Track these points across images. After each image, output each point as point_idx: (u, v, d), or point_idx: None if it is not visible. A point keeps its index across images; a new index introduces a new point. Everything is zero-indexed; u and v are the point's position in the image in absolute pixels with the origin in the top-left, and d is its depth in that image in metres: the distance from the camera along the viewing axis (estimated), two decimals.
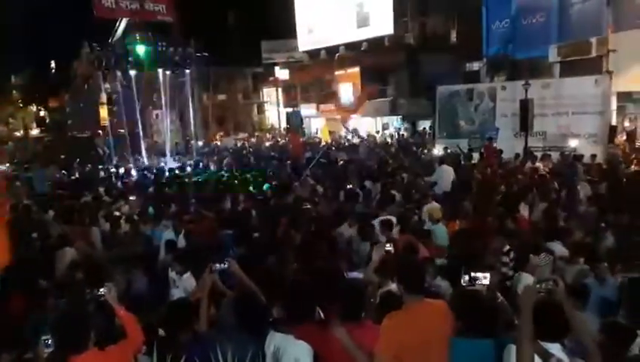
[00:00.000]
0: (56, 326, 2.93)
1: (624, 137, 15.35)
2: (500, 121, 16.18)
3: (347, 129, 26.28)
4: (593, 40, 17.49)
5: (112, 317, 3.31)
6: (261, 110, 41.60)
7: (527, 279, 4.65)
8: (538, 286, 2.72)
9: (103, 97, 28.20)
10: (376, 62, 28.31)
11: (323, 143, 23.85)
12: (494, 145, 14.82)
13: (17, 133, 46.83)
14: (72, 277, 4.91)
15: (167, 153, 23.19)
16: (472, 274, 3.26)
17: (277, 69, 36.38)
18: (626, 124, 16.11)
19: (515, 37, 20.72)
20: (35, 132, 49.03)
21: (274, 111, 37.69)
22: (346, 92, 31.03)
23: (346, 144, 23.62)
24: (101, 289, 3.30)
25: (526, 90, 14.40)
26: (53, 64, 61.09)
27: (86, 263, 5.27)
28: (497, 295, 3.74)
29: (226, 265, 3.78)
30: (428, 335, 2.86)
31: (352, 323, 2.92)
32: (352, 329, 2.86)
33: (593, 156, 12.39)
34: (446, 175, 10.42)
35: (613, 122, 15.37)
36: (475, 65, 23.20)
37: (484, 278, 3.17)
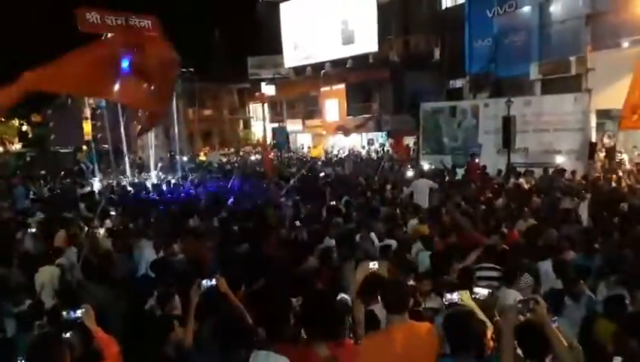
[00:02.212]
0: (32, 349, 2.86)
1: (603, 153, 15.62)
2: (483, 138, 16.38)
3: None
4: (573, 58, 17.90)
5: (90, 340, 3.25)
6: (247, 125, 41.64)
7: (510, 295, 4.67)
8: (519, 306, 2.76)
9: (87, 112, 28.01)
10: (361, 78, 28.60)
11: (310, 158, 23.94)
12: (477, 161, 15.00)
13: None
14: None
15: (152, 168, 22.98)
16: (446, 294, 3.29)
17: (263, 84, 36.55)
18: (606, 140, 16.40)
19: (497, 55, 21.13)
20: (17, 147, 48.38)
21: (260, 126, 37.73)
22: (332, 108, 31.22)
23: (334, 159, 23.73)
24: (78, 312, 3.22)
25: (508, 108, 14.63)
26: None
27: (61, 284, 5.18)
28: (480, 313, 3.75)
29: (213, 282, 3.74)
30: (408, 357, 2.85)
31: (332, 342, 2.91)
32: (332, 347, 2.86)
33: (573, 172, 12.59)
34: (422, 188, 10.52)
35: (593, 139, 15.66)
36: (458, 83, 23.55)
37: (455, 297, 3.20)
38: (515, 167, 13.92)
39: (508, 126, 14.56)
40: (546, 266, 5.42)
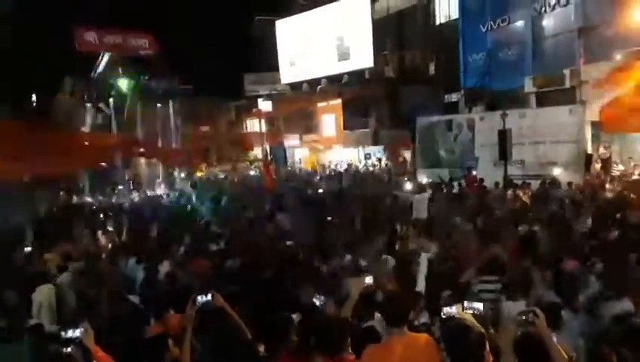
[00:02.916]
0: None
1: (599, 165, 15.70)
2: (479, 151, 16.48)
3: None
4: (566, 71, 18.06)
5: (90, 359, 3.22)
6: None
7: (511, 308, 4.65)
8: (519, 317, 2.76)
9: (85, 131, 28.05)
10: (357, 94, 28.75)
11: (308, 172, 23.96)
12: (474, 174, 15.05)
13: None
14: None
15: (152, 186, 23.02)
16: (444, 308, 3.29)
17: (260, 101, 36.70)
18: (601, 151, 16.49)
19: (491, 69, 21.30)
20: None
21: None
22: (329, 123, 31.32)
23: (332, 173, 23.80)
24: (76, 331, 3.19)
25: (503, 120, 14.73)
26: (34, 97, 60.65)
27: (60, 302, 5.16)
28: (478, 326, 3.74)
29: (209, 297, 3.71)
30: None
31: (331, 357, 2.91)
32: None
33: (569, 184, 12.65)
34: (421, 202, 10.57)
35: (589, 150, 15.76)
36: (454, 97, 23.70)
37: (453, 311, 3.20)
38: (512, 180, 13.98)
39: (504, 139, 14.64)
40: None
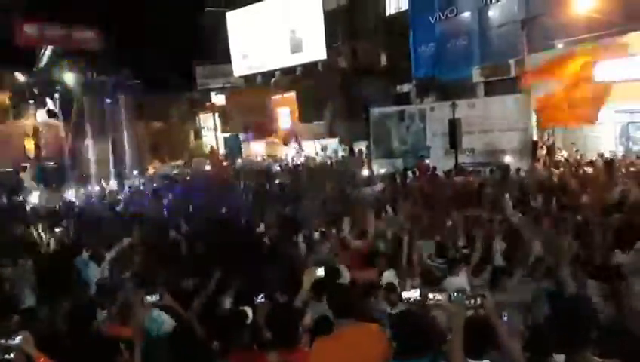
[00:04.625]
0: None
1: (544, 151, 16.37)
2: (431, 140, 16.86)
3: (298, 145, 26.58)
4: (512, 61, 18.67)
5: None
6: (198, 136, 40.92)
7: (454, 283, 4.84)
8: (467, 301, 2.79)
9: (29, 128, 26.78)
10: (311, 86, 28.74)
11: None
12: (427, 162, 15.41)
13: None
14: None
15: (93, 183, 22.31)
16: (403, 293, 3.34)
17: (213, 94, 36.12)
18: (545, 138, 17.18)
19: (440, 60, 21.73)
20: None
21: (211, 136, 37.21)
22: (284, 116, 31.19)
23: (289, 166, 23.77)
24: (16, 339, 3.06)
25: (453, 110, 15.12)
26: None
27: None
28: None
29: (157, 298, 3.64)
30: (358, 359, 2.89)
31: (285, 349, 2.93)
32: (285, 355, 2.87)
33: (517, 170, 13.14)
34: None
35: (535, 138, 16.39)
36: (406, 87, 24.08)
37: (413, 295, 3.26)
38: (462, 168, 14.39)
39: (454, 128, 15.05)
40: None
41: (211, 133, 37.04)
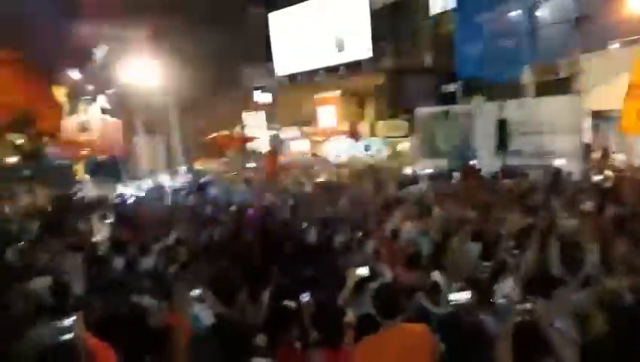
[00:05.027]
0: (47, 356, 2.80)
1: (598, 154, 15.72)
2: (477, 141, 16.48)
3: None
4: (564, 61, 18.02)
5: (84, 350, 3.18)
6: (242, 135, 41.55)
7: (501, 288, 4.70)
8: (516, 307, 2.73)
9: (84, 123, 27.94)
10: (354, 85, 28.70)
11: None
12: (472, 164, 15.09)
13: None
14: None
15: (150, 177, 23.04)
16: (452, 295, 3.29)
17: (257, 93, 36.62)
18: (600, 141, 16.50)
19: (487, 60, 21.19)
20: (12, 160, 48.01)
21: (255, 135, 37.73)
22: (327, 115, 31.25)
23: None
24: (69, 319, 3.17)
25: (501, 110, 14.73)
26: None
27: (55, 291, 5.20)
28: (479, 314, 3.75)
29: (199, 293, 3.74)
30: (404, 359, 2.86)
31: (329, 348, 2.92)
32: (329, 354, 2.86)
33: (569, 174, 12.65)
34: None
35: (588, 140, 15.77)
36: (451, 87, 23.65)
37: (463, 297, 3.20)
38: (510, 170, 14.00)
39: (502, 129, 14.67)
40: None
41: (255, 131, 37.58)
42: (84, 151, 25.95)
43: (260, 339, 3.36)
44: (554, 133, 15.12)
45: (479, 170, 14.19)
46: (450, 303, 3.36)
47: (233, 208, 11.08)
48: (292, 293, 4.35)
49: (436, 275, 5.00)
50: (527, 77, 19.35)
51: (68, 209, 13.72)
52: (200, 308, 4.05)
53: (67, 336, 3.11)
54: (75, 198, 17.04)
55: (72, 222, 10.82)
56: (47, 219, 11.25)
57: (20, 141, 28.23)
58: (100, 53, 25.89)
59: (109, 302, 5.04)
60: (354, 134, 28.88)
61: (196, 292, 4.03)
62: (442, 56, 24.42)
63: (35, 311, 4.75)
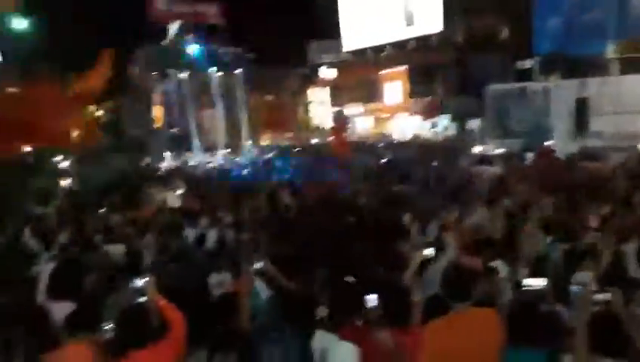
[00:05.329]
0: (123, 319, 2.95)
1: None
2: (554, 121, 15.67)
3: None
4: None
5: (155, 310, 3.32)
6: (307, 110, 41.83)
7: (576, 277, 4.44)
8: (593, 296, 2.60)
9: (157, 98, 29.12)
10: (423, 60, 27.95)
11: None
12: (548, 144, 14.36)
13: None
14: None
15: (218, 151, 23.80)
16: (525, 281, 3.17)
17: (323, 68, 36.53)
18: None
19: (569, 34, 19.87)
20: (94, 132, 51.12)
21: (319, 111, 37.84)
22: (393, 91, 30.76)
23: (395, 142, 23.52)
24: (142, 281, 3.31)
25: (582, 89, 13.84)
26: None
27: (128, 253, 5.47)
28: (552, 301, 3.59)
29: (261, 265, 3.84)
30: (474, 345, 2.76)
31: (397, 327, 2.88)
32: (396, 333, 2.83)
33: None
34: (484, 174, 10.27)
35: None
36: (528, 63, 22.44)
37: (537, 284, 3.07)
38: (589, 152, 13.18)
39: (582, 108, 13.82)
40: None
41: (320, 107, 37.67)
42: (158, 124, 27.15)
43: (322, 311, 3.38)
44: (639, 113, 14.06)
45: (553, 151, 13.47)
46: (523, 289, 3.21)
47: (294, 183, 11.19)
48: (355, 270, 4.35)
49: (497, 262, 4.80)
50: (611, 53, 17.97)
51: (143, 179, 14.42)
52: (259, 281, 4.16)
53: (142, 298, 3.29)
54: (149, 169, 17.90)
55: (147, 191, 11.35)
56: (125, 187, 11.85)
57: (98, 113, 29.96)
58: (173, 28, 26.68)
59: (179, 271, 5.29)
60: (421, 111, 28.29)
61: (258, 265, 4.12)
62: (518, 30, 23.22)
63: (111, 274, 5.04)
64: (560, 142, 14.31)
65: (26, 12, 21.46)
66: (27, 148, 17.02)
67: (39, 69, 17.37)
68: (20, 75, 18.64)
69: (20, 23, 23.15)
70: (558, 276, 4.88)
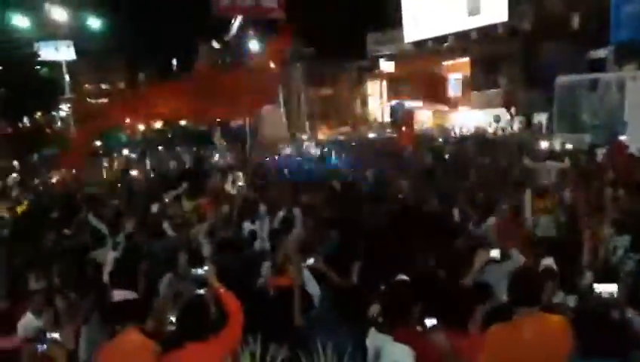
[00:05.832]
0: (185, 312, 3.05)
1: None
2: (630, 115, 14.69)
3: None
4: None
5: (215, 298, 3.40)
6: (364, 104, 41.53)
7: None
8: None
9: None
10: (487, 51, 26.98)
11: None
12: (622, 140, 13.48)
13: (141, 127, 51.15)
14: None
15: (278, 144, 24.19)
16: (596, 285, 3.00)
17: (382, 61, 36.05)
18: None
19: None
20: (158, 125, 53.37)
21: (377, 104, 37.47)
22: (455, 83, 29.95)
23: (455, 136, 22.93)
24: (203, 269, 3.38)
25: None
26: (174, 62, 66.06)
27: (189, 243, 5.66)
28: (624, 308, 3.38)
29: (312, 262, 3.86)
30: (538, 353, 2.63)
31: (455, 331, 2.80)
32: (454, 337, 2.75)
33: None
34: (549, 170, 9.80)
35: None
36: (601, 53, 21.13)
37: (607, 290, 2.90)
38: None
39: None
40: None
41: (378, 100, 37.28)
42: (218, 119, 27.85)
43: (374, 309, 3.35)
44: None
45: (627, 147, 12.62)
46: (593, 294, 3.04)
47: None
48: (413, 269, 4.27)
49: (549, 261, 4.52)
50: None
51: (205, 170, 14.91)
52: (309, 277, 4.16)
53: (203, 287, 3.39)
54: (210, 161, 18.46)
55: (208, 182, 11.72)
56: (187, 178, 12.28)
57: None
58: (235, 23, 27.28)
59: (236, 261, 5.41)
60: (484, 104, 27.38)
61: (311, 261, 4.13)
62: (592, 17, 21.89)
63: (172, 260, 5.24)
64: (634, 138, 13.40)
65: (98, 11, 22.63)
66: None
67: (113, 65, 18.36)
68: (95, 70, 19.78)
69: (94, 22, 24.50)
70: (630, 281, 4.59)
